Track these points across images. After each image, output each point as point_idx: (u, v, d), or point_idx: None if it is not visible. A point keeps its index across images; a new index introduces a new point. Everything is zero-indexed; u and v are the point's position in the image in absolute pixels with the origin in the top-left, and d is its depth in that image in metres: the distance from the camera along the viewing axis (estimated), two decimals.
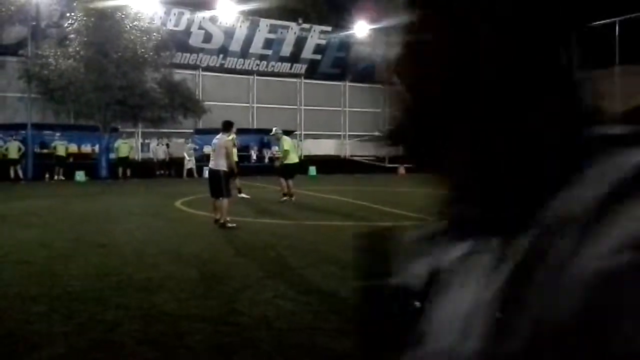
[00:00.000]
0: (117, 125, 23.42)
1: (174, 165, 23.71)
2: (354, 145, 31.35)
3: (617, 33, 29.64)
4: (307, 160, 27.78)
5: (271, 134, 15.63)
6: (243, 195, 14.42)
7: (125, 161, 22.76)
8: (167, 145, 24.15)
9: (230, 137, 9.92)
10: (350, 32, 30.21)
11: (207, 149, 26.37)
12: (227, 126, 9.63)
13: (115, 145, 22.77)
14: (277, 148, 27.40)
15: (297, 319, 4.58)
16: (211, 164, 9.52)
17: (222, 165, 9.27)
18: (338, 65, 31.06)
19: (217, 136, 9.60)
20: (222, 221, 9.17)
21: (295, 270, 6.17)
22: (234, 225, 9.17)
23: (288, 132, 27.76)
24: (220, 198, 9.25)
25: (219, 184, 9.26)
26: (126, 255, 7.04)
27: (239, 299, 5.05)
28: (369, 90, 32.28)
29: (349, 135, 31.43)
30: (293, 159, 13.71)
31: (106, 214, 11.28)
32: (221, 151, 9.33)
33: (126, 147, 22.94)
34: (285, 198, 13.37)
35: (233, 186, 13.16)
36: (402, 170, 28.25)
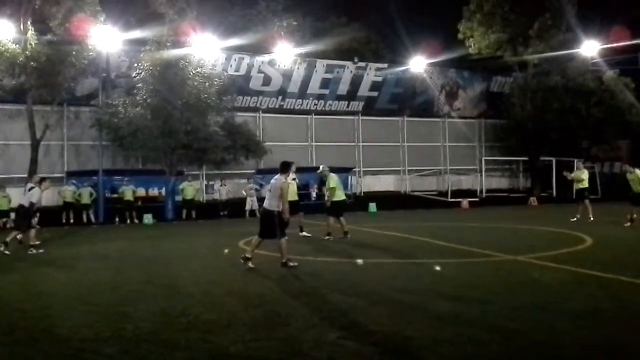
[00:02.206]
0: (182, 169, 24.19)
1: (236, 205, 24.10)
2: (414, 180, 31.04)
3: None
4: (367, 197, 27.72)
5: (318, 171, 15.67)
6: (304, 233, 14.46)
7: (190, 203, 23.37)
8: (224, 185, 24.66)
9: (289, 178, 9.83)
10: (406, 67, 30.29)
11: (267, 188, 26.81)
12: (284, 167, 9.51)
13: (181, 187, 23.46)
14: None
15: None
16: (265, 204, 9.47)
17: (276, 206, 9.21)
18: (395, 100, 31.09)
19: (275, 177, 9.53)
20: (283, 261, 9.18)
21: (359, 310, 6.09)
22: (295, 264, 9.17)
23: (335, 169, 27.85)
24: (275, 239, 9.19)
25: (272, 224, 9.19)
26: (193, 296, 7.16)
27: (304, 340, 5.01)
28: (427, 124, 32.10)
29: (408, 170, 31.17)
30: (340, 196, 13.64)
31: (173, 256, 11.55)
32: (277, 192, 9.24)
33: (191, 189, 23.57)
34: (328, 237, 13.26)
35: (295, 223, 13.26)
36: (465, 204, 27.70)
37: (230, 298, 6.93)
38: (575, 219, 16.66)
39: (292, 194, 13.25)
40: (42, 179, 13.39)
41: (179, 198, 23.49)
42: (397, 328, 5.30)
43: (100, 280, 8.62)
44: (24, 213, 12.62)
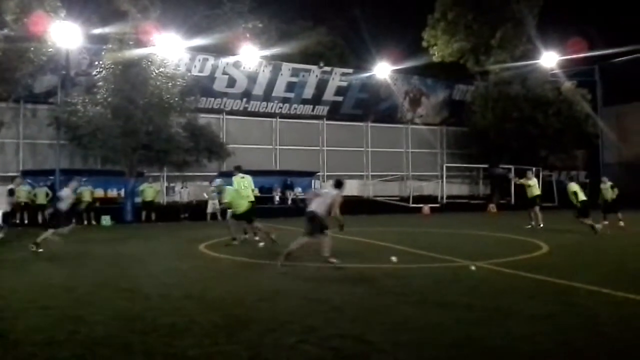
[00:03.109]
0: (142, 170, 23.77)
1: (198, 208, 23.83)
2: (377, 185, 31.28)
3: None
4: None
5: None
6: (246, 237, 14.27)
7: (150, 205, 22.99)
8: (186, 187, 24.38)
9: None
10: (371, 73, 30.53)
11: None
12: (339, 185, 10.26)
13: (140, 188, 23.06)
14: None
15: None
16: (313, 207, 9.82)
17: (321, 210, 9.73)
18: (359, 106, 31.30)
19: (328, 189, 10.53)
20: (325, 255, 9.41)
21: (319, 314, 6.08)
22: (336, 262, 9.35)
23: (299, 173, 27.81)
24: (318, 236, 9.60)
25: (317, 223, 9.68)
26: (151, 299, 7.03)
27: (263, 344, 4.97)
28: (391, 130, 32.42)
29: (371, 175, 31.41)
30: (242, 204, 13.42)
31: (131, 258, 11.33)
32: (327, 201, 9.88)
33: (151, 190, 23.19)
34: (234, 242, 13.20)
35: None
36: (426, 209, 28.06)
37: (189, 301, 6.83)
38: (529, 226, 17.05)
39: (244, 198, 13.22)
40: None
41: (138, 200, 23.08)
42: (357, 332, 5.31)
43: (54, 282, 8.38)
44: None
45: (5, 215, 12.75)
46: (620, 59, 29.65)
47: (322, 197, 10.01)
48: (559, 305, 6.47)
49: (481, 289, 7.55)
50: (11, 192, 14.36)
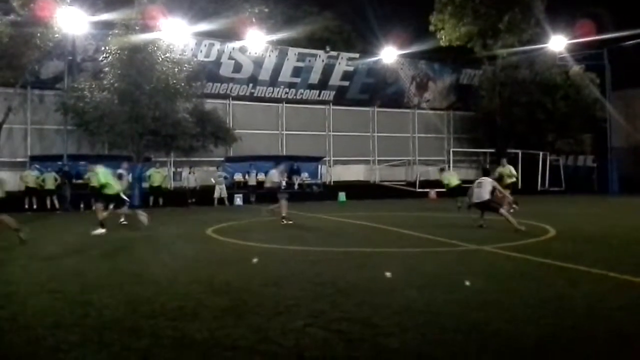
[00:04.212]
0: (149, 155, 23.84)
1: (205, 193, 23.93)
2: (383, 170, 31.25)
3: None
4: (337, 186, 27.80)
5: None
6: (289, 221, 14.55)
7: (157, 190, 23.08)
8: (193, 172, 24.44)
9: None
10: (378, 58, 30.36)
11: (237, 177, 26.65)
12: (486, 172, 14.23)
13: (148, 174, 23.14)
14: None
15: (328, 347, 4.52)
16: (478, 196, 13.03)
17: (486, 196, 12.86)
18: (366, 91, 31.18)
19: (484, 177, 13.50)
20: (515, 227, 11.93)
21: (326, 298, 6.11)
22: (522, 228, 11.84)
23: (305, 158, 27.80)
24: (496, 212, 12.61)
25: (489, 204, 12.84)
26: (159, 283, 7.08)
27: (270, 328, 5.01)
28: (397, 115, 32.30)
29: (378, 160, 31.37)
30: (112, 188, 13.40)
31: (139, 243, 11.41)
32: (487, 187, 13.01)
33: (159, 176, 23.27)
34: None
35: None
36: (432, 194, 28.02)
37: (197, 286, 6.88)
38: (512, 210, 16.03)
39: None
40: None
41: (146, 185, 23.17)
42: (364, 316, 5.34)
43: (63, 267, 8.46)
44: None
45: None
46: (629, 42, 29.28)
47: (483, 185, 13.16)
48: (565, 289, 6.47)
49: (487, 273, 7.56)
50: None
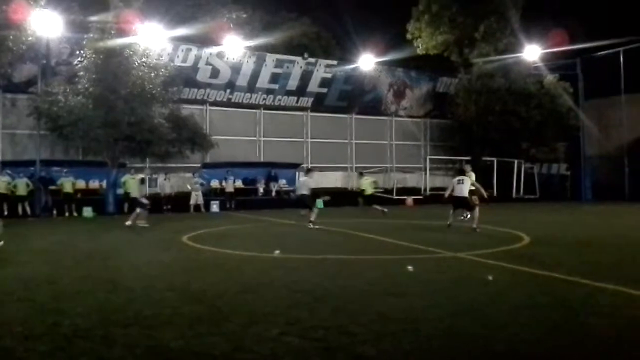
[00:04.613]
0: (124, 161, 23.54)
1: (181, 199, 23.68)
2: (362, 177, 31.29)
3: (622, 62, 29.85)
4: (314, 193, 27.67)
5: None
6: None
7: (132, 197, 22.77)
8: (168, 178, 24.24)
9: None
10: (356, 65, 30.49)
11: (213, 183, 26.47)
12: (463, 172, 15.18)
13: (123, 180, 22.84)
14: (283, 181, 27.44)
15: (305, 356, 4.49)
16: (460, 190, 14.09)
17: (466, 193, 14.02)
18: (344, 97, 31.27)
19: (464, 176, 14.61)
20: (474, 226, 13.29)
21: (302, 306, 6.08)
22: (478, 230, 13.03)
23: (282, 165, 27.74)
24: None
25: (466, 201, 14.08)
26: (133, 291, 6.97)
27: (246, 336, 4.96)
28: (375, 123, 32.46)
29: (355, 167, 31.44)
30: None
31: (113, 250, 11.23)
32: (467, 185, 14.29)
33: (133, 182, 22.97)
34: None
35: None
36: (409, 201, 28.18)
37: (171, 293, 6.79)
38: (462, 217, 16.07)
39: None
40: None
41: (120, 191, 22.87)
42: (340, 324, 5.32)
43: (35, 275, 8.28)
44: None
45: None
46: (601, 52, 29.93)
47: (464, 184, 14.06)
48: (540, 296, 6.53)
49: (463, 280, 7.60)
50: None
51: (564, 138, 32.71)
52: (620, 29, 27.60)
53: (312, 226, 15.25)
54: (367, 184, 21.53)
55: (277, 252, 10.10)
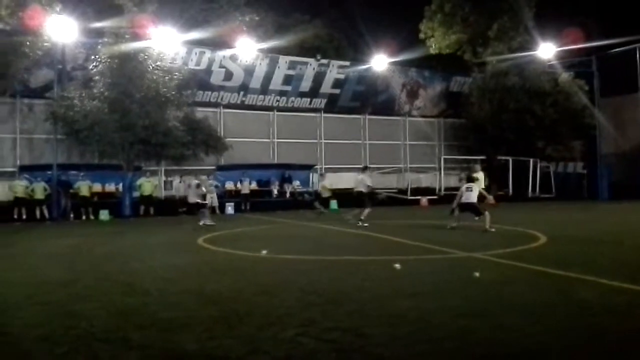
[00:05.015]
0: (140, 164, 23.75)
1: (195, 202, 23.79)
2: (375, 177, 31.25)
3: (638, 59, 29.51)
4: (372, 191, 27.54)
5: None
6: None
7: (148, 199, 22.99)
8: (184, 181, 24.35)
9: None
10: (368, 65, 30.46)
11: (228, 185, 26.60)
12: (471, 179, 14.95)
13: (138, 183, 23.05)
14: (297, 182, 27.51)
15: (320, 358, 4.51)
16: (468, 197, 14.35)
17: (474, 199, 14.30)
18: (357, 98, 31.27)
19: (472, 183, 14.65)
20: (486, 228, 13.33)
21: (316, 308, 6.09)
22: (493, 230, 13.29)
23: (297, 166, 27.74)
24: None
25: (474, 206, 14.20)
26: (149, 294, 7.04)
27: (261, 338, 4.99)
28: (388, 123, 32.40)
29: (370, 167, 31.36)
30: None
31: (130, 253, 11.35)
32: (476, 192, 14.45)
33: (149, 185, 23.20)
34: None
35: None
36: (424, 202, 28.09)
37: (187, 296, 6.84)
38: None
39: None
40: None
41: (136, 194, 23.08)
42: (354, 325, 5.33)
43: (53, 277, 8.39)
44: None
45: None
46: (617, 49, 29.60)
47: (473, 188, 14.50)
48: (555, 296, 6.49)
49: (477, 281, 7.57)
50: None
51: (580, 136, 32.38)
52: (636, 26, 27.31)
53: (360, 224, 15.69)
54: (325, 187, 21.79)
55: (264, 251, 10.30)
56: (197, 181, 18.10)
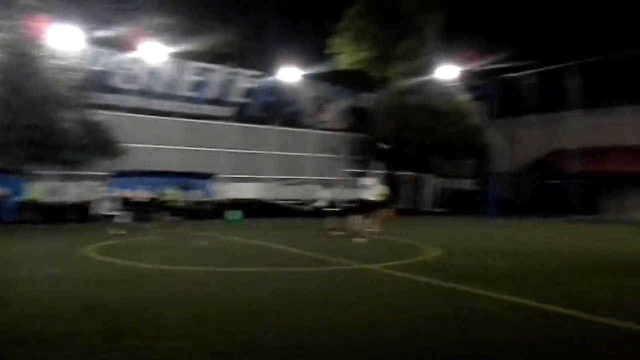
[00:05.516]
0: (29, 167, 22.24)
1: (87, 209, 22.64)
2: (280, 189, 31.29)
3: (533, 83, 31.92)
4: (231, 205, 27.27)
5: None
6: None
7: (35, 204, 21.53)
8: (79, 187, 23.21)
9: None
10: (279, 76, 30.55)
11: (123, 193, 25.38)
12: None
13: (26, 187, 21.58)
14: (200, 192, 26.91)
15: None
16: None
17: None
18: (266, 109, 31.23)
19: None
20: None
21: (210, 320, 5.97)
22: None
23: (197, 175, 27.22)
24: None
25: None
26: (28, 306, 6.58)
27: (150, 353, 4.80)
28: (295, 135, 32.61)
29: (274, 178, 31.38)
30: None
31: (10, 261, 10.58)
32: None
33: (39, 190, 21.79)
34: None
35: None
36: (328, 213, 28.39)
37: (70, 309, 6.47)
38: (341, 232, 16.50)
39: None
40: None
41: (23, 198, 21.59)
42: (246, 337, 5.27)
43: None
44: None
45: None
46: (513, 74, 31.81)
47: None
48: (445, 308, 6.76)
49: (371, 292, 7.75)
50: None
51: (475, 155, 34.22)
52: (530, 54, 29.58)
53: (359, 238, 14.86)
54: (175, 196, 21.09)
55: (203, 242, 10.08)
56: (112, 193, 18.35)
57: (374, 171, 31.18)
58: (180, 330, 5.53)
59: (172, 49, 27.02)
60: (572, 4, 32.30)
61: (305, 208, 27.41)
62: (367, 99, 34.36)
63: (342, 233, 15.82)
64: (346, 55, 33.77)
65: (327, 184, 19.76)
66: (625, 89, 27.60)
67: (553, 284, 8.63)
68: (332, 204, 18.15)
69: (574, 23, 31.96)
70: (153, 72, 26.84)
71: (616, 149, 28.23)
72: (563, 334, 5.68)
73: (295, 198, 30.75)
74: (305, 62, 31.12)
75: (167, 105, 28.04)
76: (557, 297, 7.32)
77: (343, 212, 17.40)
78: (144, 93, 27.08)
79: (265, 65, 32.72)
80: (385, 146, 19.76)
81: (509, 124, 33.69)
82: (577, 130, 29.51)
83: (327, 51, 34.29)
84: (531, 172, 32.46)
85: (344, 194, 19.26)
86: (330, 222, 17.06)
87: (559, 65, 29.71)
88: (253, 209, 26.57)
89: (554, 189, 30.44)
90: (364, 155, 33.49)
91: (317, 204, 18.90)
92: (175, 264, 10.33)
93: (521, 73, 31.71)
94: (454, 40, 31.87)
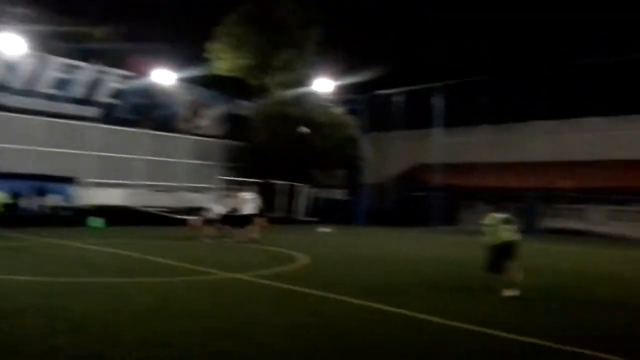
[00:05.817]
0: None
1: None
2: (148, 195, 30.10)
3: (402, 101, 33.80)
4: (93, 210, 25.73)
5: None
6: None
7: None
8: None
9: None
10: (151, 78, 29.48)
11: None
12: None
13: None
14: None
15: None
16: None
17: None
18: (137, 111, 29.94)
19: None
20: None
21: (63, 334, 5.60)
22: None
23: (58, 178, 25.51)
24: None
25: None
26: None
27: None
28: (168, 139, 31.64)
29: (143, 184, 30.13)
30: None
31: None
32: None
33: None
34: None
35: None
36: (195, 222, 27.69)
37: None
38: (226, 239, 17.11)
39: None
40: None
41: None
42: (101, 351, 5.01)
43: None
44: None
45: None
46: (383, 91, 33.45)
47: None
48: (309, 315, 6.88)
49: (234, 300, 7.72)
50: None
51: (347, 166, 35.42)
52: (400, 73, 31.47)
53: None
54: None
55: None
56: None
57: (250, 180, 31.26)
58: (32, 344, 5.15)
59: (36, 42, 25.06)
60: (439, 30, 34.96)
61: (177, 216, 26.63)
62: (245, 107, 34.26)
63: (213, 242, 15.68)
64: (225, 61, 33.49)
65: (211, 194, 19.70)
66: (482, 110, 30.37)
67: (415, 293, 9.11)
68: (211, 213, 18.26)
69: (440, 47, 34.52)
70: (10, 66, 24.71)
71: (472, 165, 30.75)
72: (421, 338, 6.02)
73: (166, 205, 29.74)
74: (183, 65, 30.39)
75: (26, 102, 25.90)
76: (420, 305, 7.75)
77: (219, 221, 17.51)
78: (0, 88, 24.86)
79: (139, 66, 31.46)
80: (305, 130, 19.86)
81: (379, 137, 35.36)
82: (440, 146, 31.57)
83: (205, 55, 33.80)
84: (398, 184, 34.28)
85: (222, 204, 19.08)
86: (207, 230, 17.24)
87: (425, 85, 31.75)
88: (119, 216, 25.22)
89: (419, 200, 32.34)
90: (240, 163, 33.33)
91: (205, 213, 18.56)
92: (24, 274, 9.55)
93: (391, 90, 33.44)
94: (330, 55, 32.86)
